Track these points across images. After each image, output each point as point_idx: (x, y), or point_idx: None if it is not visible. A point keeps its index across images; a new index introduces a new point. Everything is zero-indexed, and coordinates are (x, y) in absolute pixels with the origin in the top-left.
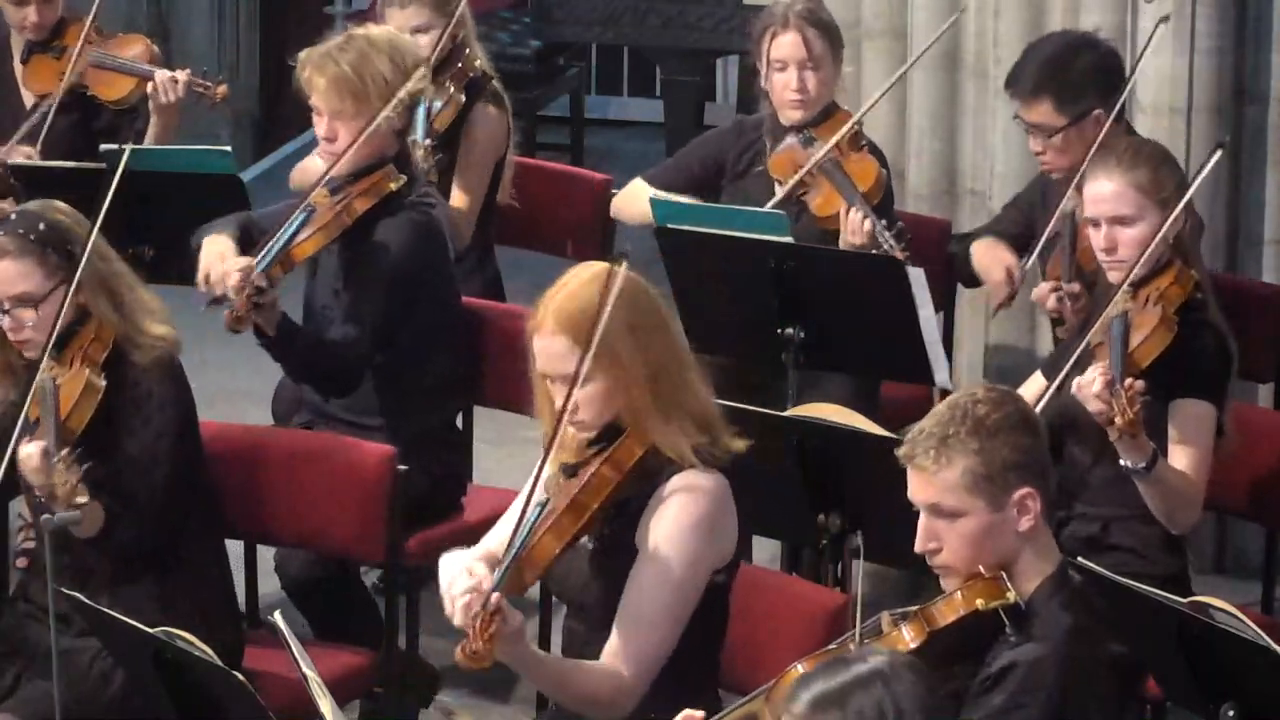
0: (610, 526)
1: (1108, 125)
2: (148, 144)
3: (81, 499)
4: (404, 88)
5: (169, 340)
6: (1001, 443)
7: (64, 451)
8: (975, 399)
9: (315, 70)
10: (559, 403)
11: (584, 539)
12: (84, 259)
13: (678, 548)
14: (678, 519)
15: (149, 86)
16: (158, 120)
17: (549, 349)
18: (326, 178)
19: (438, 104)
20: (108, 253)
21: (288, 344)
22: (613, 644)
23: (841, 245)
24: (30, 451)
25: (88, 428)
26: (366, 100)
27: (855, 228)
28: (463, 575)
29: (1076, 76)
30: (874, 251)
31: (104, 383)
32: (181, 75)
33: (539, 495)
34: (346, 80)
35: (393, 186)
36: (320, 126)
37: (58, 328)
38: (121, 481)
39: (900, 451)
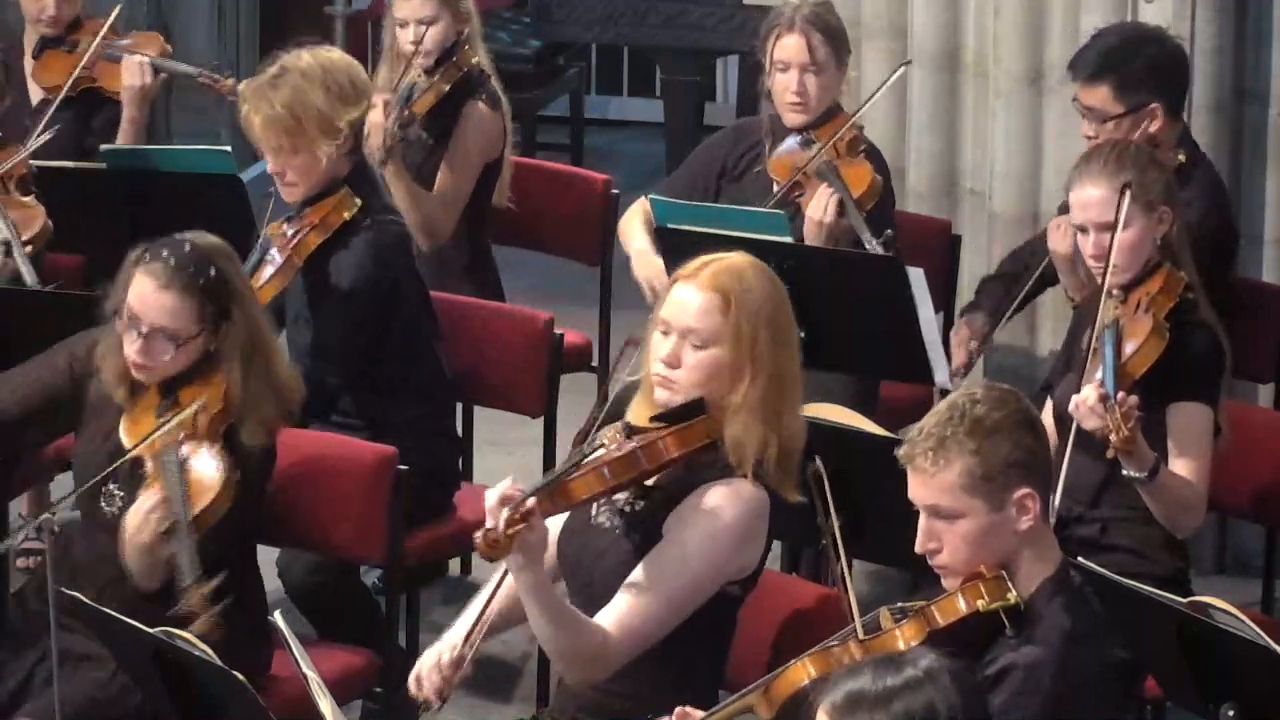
0: (633, 507)
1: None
2: (120, 132)
3: (217, 636)
4: (343, 117)
5: (274, 429)
6: (1000, 443)
7: (209, 583)
8: (974, 399)
9: (251, 109)
10: (663, 352)
11: (603, 518)
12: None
13: (704, 543)
14: (712, 519)
15: (122, 69)
16: (125, 109)
17: (689, 300)
18: (280, 207)
19: (421, 85)
20: (259, 321)
21: None
22: (611, 609)
23: (806, 226)
24: (146, 513)
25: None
26: (303, 136)
27: (821, 204)
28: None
29: (1139, 66)
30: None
31: (239, 477)
32: (146, 58)
33: (598, 439)
34: (280, 120)
35: (345, 216)
36: (269, 162)
37: (182, 366)
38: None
39: (900, 452)
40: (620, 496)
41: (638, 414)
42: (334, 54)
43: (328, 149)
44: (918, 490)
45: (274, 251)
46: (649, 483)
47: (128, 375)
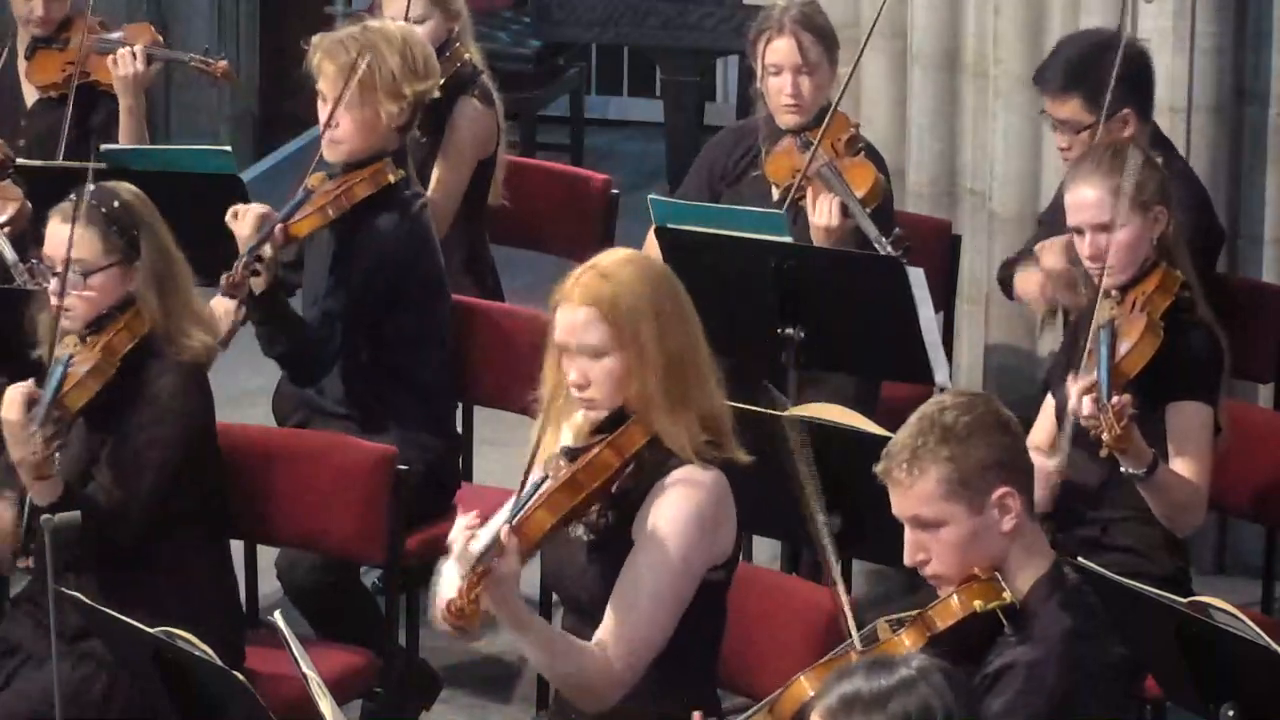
0: (607, 518)
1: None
2: (120, 124)
3: (48, 472)
4: (410, 87)
5: (205, 349)
6: (973, 446)
7: (52, 431)
8: (943, 406)
9: (326, 56)
10: (572, 375)
11: (579, 531)
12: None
13: (673, 540)
14: (674, 512)
15: (109, 60)
16: (120, 100)
17: (572, 319)
18: (325, 165)
19: None
20: (171, 251)
21: (267, 310)
22: (604, 633)
23: (813, 233)
24: (12, 395)
25: (89, 411)
26: (372, 92)
27: (825, 209)
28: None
29: (1107, 74)
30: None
31: (114, 370)
32: (139, 48)
33: (536, 474)
34: (355, 67)
35: (392, 179)
36: (324, 112)
37: (101, 307)
38: (111, 473)
39: (878, 469)
40: (592, 509)
41: (575, 434)
42: (414, 31)
43: (390, 109)
44: (899, 504)
45: (316, 196)
46: (613, 490)
47: (53, 332)
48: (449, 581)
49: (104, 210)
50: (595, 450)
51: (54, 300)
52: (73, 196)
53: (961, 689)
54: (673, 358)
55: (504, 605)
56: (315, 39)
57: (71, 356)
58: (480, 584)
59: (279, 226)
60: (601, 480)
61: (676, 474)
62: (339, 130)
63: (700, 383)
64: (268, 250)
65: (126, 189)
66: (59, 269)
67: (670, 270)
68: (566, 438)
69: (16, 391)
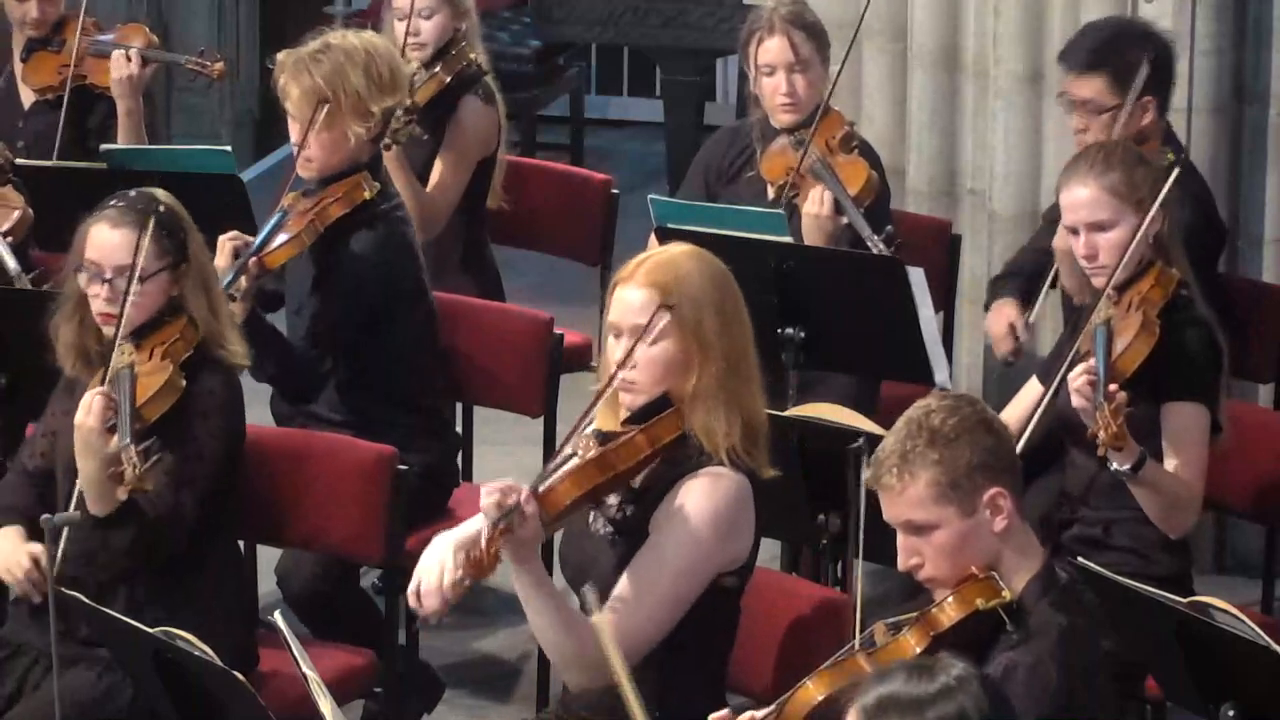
0: (626, 512)
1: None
2: (119, 126)
3: (148, 486)
4: (377, 103)
5: (243, 355)
6: (962, 447)
7: (141, 444)
8: (929, 410)
9: (290, 79)
10: (618, 356)
11: (600, 525)
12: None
13: (687, 537)
14: (693, 510)
15: (109, 65)
16: (119, 103)
17: (629, 298)
18: (301, 182)
19: (421, 76)
20: (208, 255)
21: (249, 338)
22: (607, 612)
23: (804, 222)
24: (91, 400)
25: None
26: (337, 113)
27: (817, 197)
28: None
29: (1135, 59)
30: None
31: (184, 384)
32: (135, 50)
33: (566, 450)
34: (317, 93)
35: (366, 195)
36: (294, 132)
37: (149, 312)
38: (162, 482)
39: (866, 476)
40: (612, 503)
41: (605, 421)
42: (378, 40)
43: (358, 130)
44: (890, 509)
45: (290, 219)
46: (636, 485)
47: (79, 345)
48: (434, 555)
49: (151, 216)
50: (628, 435)
51: (104, 307)
52: (114, 203)
53: (997, 698)
54: (732, 356)
55: (524, 564)
56: (280, 57)
57: (133, 366)
58: (501, 539)
59: (253, 260)
60: (630, 464)
61: (703, 472)
62: (310, 150)
63: (751, 390)
64: (242, 283)
65: (162, 193)
66: (108, 275)
67: (729, 271)
68: (599, 420)
69: (95, 397)
